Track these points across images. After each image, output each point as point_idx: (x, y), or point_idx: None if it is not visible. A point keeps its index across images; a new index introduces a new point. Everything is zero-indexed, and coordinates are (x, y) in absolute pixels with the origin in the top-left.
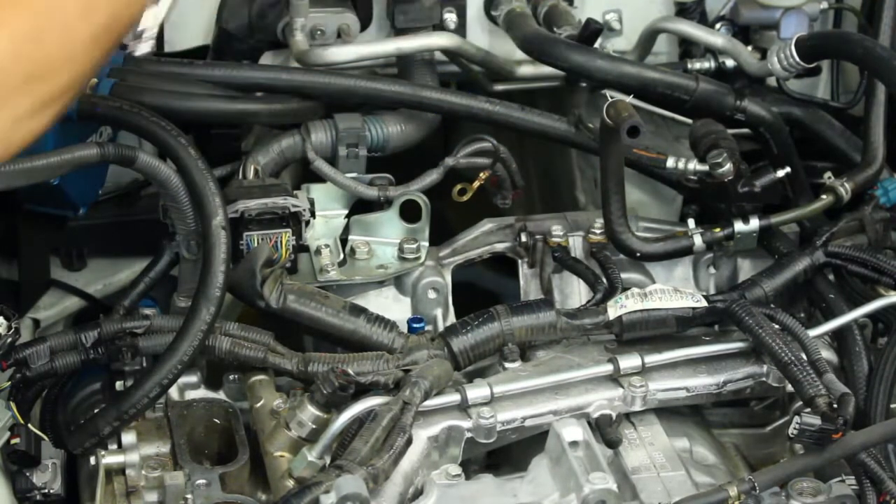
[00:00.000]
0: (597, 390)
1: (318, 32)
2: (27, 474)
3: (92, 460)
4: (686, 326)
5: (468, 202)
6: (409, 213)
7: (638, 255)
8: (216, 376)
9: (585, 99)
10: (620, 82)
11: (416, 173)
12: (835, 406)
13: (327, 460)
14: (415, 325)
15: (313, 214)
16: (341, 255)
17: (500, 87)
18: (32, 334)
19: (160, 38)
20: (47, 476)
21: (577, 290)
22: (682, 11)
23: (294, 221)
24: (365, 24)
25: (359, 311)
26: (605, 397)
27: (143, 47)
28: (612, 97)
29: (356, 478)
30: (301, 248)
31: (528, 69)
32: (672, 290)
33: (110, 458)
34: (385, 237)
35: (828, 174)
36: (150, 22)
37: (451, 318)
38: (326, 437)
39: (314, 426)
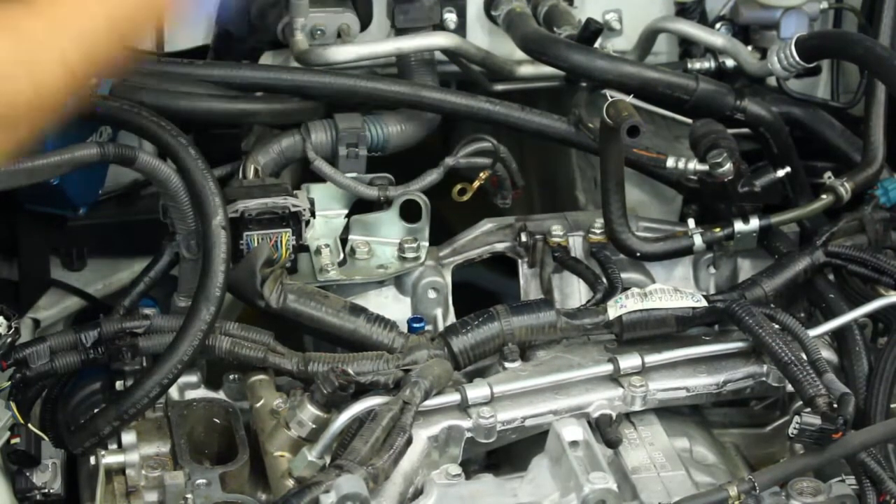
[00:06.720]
0: (597, 390)
1: (318, 32)
2: (27, 474)
3: (92, 460)
4: (686, 326)
5: (468, 202)
6: (409, 213)
7: (638, 255)
8: (216, 376)
9: (585, 99)
10: (620, 82)
11: (416, 173)
12: (835, 406)
13: (327, 460)
14: (415, 325)
15: (313, 214)
16: (341, 255)
17: (500, 87)
18: (32, 334)
19: (160, 38)
20: (47, 476)
21: (577, 290)
22: (682, 11)
23: (294, 221)
24: (365, 24)
25: (359, 310)
26: (605, 397)
27: None
28: (612, 97)
29: (356, 477)
30: (301, 247)
31: (528, 69)
32: (672, 290)
33: (110, 458)
34: (385, 237)
35: (828, 174)
36: None
37: (451, 318)
38: (326, 437)
39: (314, 426)
